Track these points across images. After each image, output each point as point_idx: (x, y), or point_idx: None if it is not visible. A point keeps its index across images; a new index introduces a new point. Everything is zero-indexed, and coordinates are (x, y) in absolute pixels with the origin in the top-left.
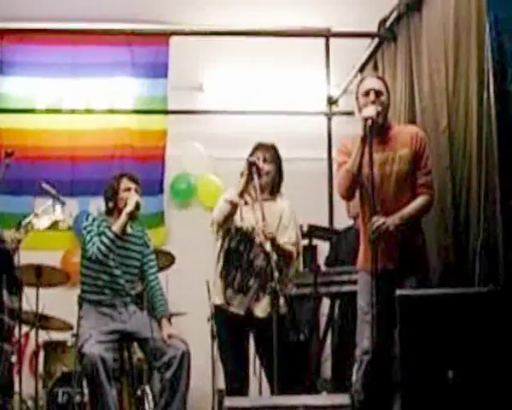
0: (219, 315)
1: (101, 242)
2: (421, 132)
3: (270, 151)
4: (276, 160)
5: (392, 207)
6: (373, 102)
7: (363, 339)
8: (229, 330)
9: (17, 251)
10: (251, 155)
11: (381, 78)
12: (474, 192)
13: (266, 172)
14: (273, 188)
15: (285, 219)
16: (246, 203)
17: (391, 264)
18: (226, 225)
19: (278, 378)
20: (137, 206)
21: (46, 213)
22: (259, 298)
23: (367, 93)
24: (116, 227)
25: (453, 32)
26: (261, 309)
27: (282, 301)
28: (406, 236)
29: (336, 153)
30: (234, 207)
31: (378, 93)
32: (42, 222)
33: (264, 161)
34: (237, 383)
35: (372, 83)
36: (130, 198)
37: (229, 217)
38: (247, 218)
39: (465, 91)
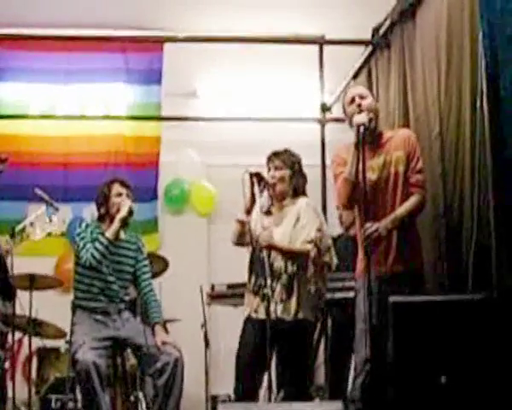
0: (246, 325)
1: (95, 248)
2: (412, 135)
3: (280, 157)
4: (289, 163)
5: (390, 210)
6: (359, 106)
7: (363, 348)
8: (255, 338)
9: (5, 258)
10: (267, 168)
11: (364, 84)
12: (467, 199)
13: (279, 178)
14: (295, 191)
15: (302, 217)
16: (268, 213)
17: (390, 268)
18: (243, 242)
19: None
20: (130, 211)
21: (40, 222)
22: (283, 300)
23: (352, 100)
24: (109, 233)
25: (446, 39)
26: (287, 312)
27: (272, 306)
28: (403, 239)
29: (331, 165)
30: (242, 225)
31: (362, 96)
32: (37, 232)
33: (275, 169)
34: (252, 391)
35: (355, 89)
36: (123, 204)
37: (240, 236)
38: (267, 226)
39: (458, 98)
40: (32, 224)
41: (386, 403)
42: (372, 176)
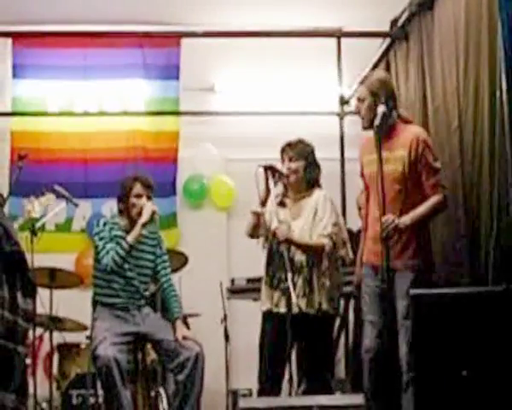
0: (267, 320)
1: (116, 252)
2: (422, 134)
3: (295, 148)
4: (304, 154)
5: (390, 207)
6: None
7: (364, 338)
8: (277, 332)
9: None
10: (281, 159)
11: (363, 81)
12: (486, 191)
13: (294, 170)
14: (309, 182)
15: (320, 210)
16: (283, 205)
17: (392, 260)
18: (256, 235)
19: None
20: (153, 215)
21: (35, 199)
22: (305, 293)
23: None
24: (131, 238)
25: (465, 30)
26: (311, 305)
27: (294, 299)
28: (412, 235)
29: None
30: (257, 217)
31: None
32: (36, 208)
33: (290, 160)
34: (275, 384)
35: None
36: (146, 208)
37: (255, 227)
38: (284, 219)
39: (476, 90)
40: (30, 202)
41: (394, 394)
42: (371, 168)
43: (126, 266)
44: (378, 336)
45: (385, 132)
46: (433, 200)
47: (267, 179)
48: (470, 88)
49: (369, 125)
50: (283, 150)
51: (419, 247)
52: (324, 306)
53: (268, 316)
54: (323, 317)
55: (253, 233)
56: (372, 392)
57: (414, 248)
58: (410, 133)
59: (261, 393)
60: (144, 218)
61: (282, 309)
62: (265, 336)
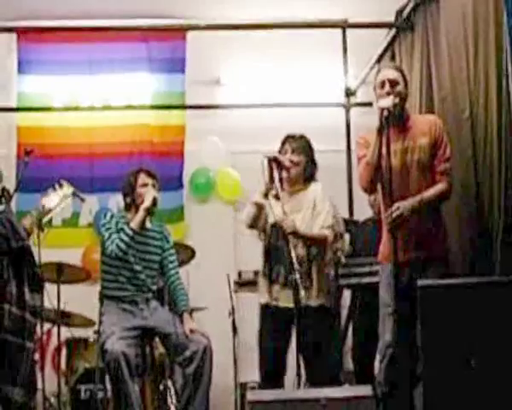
0: (266, 313)
1: (120, 239)
2: (438, 121)
3: (298, 142)
4: (307, 149)
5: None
6: (388, 94)
7: (386, 332)
8: (276, 326)
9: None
10: (280, 150)
11: (398, 67)
12: (497, 181)
13: (296, 162)
14: (306, 178)
15: (318, 203)
16: (278, 198)
17: (412, 254)
18: (256, 226)
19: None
20: (154, 201)
21: (52, 191)
22: (307, 287)
23: (382, 84)
24: (134, 223)
25: (471, 20)
26: (311, 298)
27: (302, 293)
28: (427, 226)
29: (355, 146)
30: (259, 208)
31: (393, 83)
32: (52, 199)
33: (293, 152)
34: (276, 378)
35: (387, 73)
36: (147, 194)
37: (255, 219)
38: (279, 212)
39: (485, 80)
40: (45, 195)
41: (410, 386)
42: (394, 161)
43: (132, 258)
44: (399, 330)
45: (402, 121)
46: (439, 187)
47: (271, 171)
48: (480, 77)
49: (398, 110)
50: (286, 141)
51: (432, 237)
52: (323, 299)
53: (266, 310)
54: (323, 310)
55: (254, 224)
56: (387, 388)
57: (439, 236)
58: (426, 120)
59: (263, 387)
60: (146, 203)
61: (282, 303)
62: (264, 331)
